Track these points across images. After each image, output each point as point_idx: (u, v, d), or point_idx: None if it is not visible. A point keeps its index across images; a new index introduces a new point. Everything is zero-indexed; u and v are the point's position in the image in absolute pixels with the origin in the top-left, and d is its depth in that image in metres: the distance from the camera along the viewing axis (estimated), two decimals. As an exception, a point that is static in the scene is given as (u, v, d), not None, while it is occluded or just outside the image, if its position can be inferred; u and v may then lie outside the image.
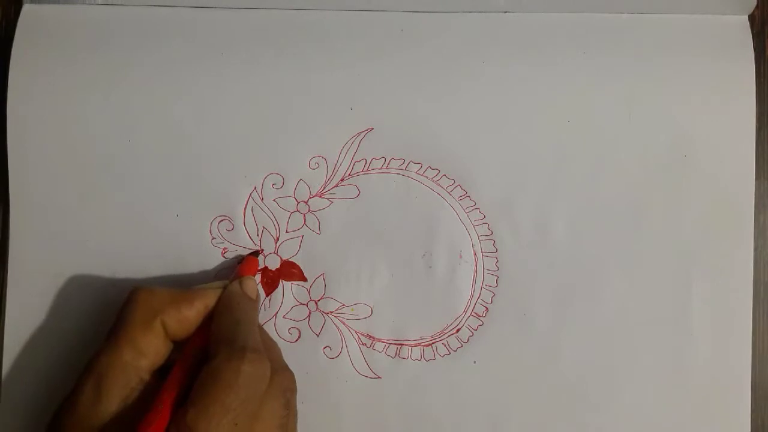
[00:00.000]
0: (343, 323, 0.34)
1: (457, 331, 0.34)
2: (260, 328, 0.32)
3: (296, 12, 0.35)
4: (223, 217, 0.34)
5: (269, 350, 0.30)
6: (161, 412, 0.26)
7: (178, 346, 0.30)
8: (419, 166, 0.35)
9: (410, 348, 0.34)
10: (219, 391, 0.26)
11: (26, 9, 0.35)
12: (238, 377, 0.26)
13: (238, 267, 0.33)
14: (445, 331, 0.34)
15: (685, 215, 0.34)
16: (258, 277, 0.34)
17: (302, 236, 0.35)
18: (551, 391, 0.34)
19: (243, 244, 0.34)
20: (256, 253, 0.34)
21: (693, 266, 0.34)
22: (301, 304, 0.34)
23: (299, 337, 0.34)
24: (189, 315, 0.30)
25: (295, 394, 0.30)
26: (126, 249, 0.34)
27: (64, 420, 0.27)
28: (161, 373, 0.29)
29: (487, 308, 0.34)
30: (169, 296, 0.30)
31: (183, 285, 0.34)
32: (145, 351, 0.28)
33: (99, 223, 0.34)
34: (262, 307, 0.34)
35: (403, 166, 0.35)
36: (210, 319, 0.30)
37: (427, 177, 0.35)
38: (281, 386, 0.28)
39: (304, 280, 0.34)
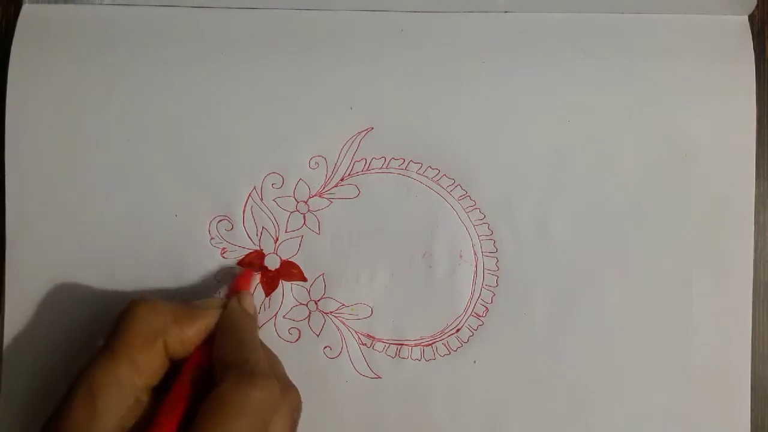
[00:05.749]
0: (343, 323, 0.34)
1: (457, 331, 0.34)
2: (261, 343, 0.31)
3: (296, 12, 0.35)
4: (223, 217, 0.34)
5: (273, 367, 0.29)
6: None
7: (173, 364, 0.29)
8: (419, 166, 0.35)
9: (410, 348, 0.34)
10: (227, 418, 0.25)
11: (26, 9, 0.35)
12: (247, 404, 0.25)
13: (234, 281, 0.33)
14: (445, 331, 0.34)
15: (685, 215, 0.34)
16: (257, 278, 0.34)
17: (302, 236, 0.35)
18: (551, 391, 0.34)
19: (242, 244, 0.34)
20: (250, 264, 0.34)
21: (693, 266, 0.34)
22: (301, 304, 0.34)
23: (299, 337, 0.34)
24: (190, 334, 0.29)
25: (300, 412, 0.29)
26: (125, 249, 0.34)
27: None
28: (156, 392, 0.28)
29: (487, 308, 0.34)
30: (172, 313, 0.29)
31: (182, 285, 0.34)
32: (143, 369, 0.28)
33: (98, 223, 0.34)
34: (262, 308, 0.34)
35: (403, 166, 0.35)
36: (209, 338, 0.30)
37: (427, 177, 0.35)
38: (290, 406, 0.28)
39: (304, 280, 0.34)
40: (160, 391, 0.28)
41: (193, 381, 0.28)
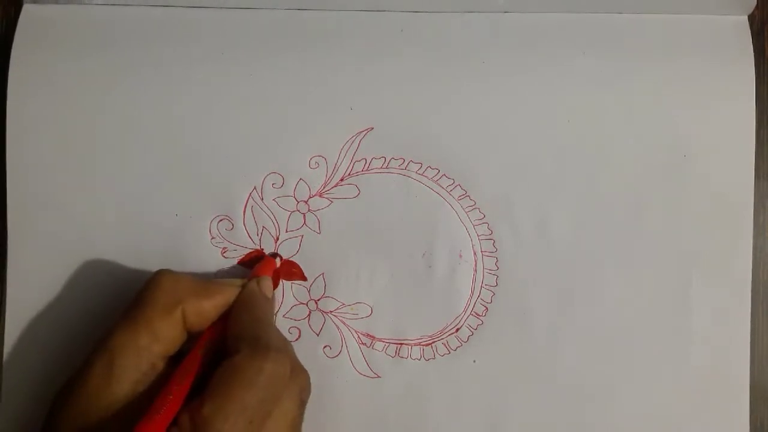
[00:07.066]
0: (343, 323, 0.34)
1: (457, 330, 0.34)
2: (275, 327, 0.32)
3: (296, 12, 0.35)
4: (223, 217, 0.34)
5: (286, 347, 0.30)
6: (170, 401, 0.26)
7: (190, 337, 0.30)
8: (419, 165, 0.35)
9: (410, 347, 0.34)
10: (239, 388, 0.26)
11: (26, 9, 0.35)
12: (259, 375, 0.26)
13: (256, 267, 0.33)
14: (445, 331, 0.34)
15: (685, 215, 0.34)
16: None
17: (302, 236, 0.35)
18: (551, 391, 0.34)
19: (243, 244, 0.34)
20: (274, 255, 0.34)
21: (693, 266, 0.34)
22: (301, 303, 0.34)
23: (299, 336, 0.34)
24: (208, 308, 0.30)
25: (309, 395, 0.30)
26: (125, 248, 0.34)
27: (72, 396, 0.27)
28: (171, 362, 0.29)
29: (486, 308, 0.34)
30: (193, 286, 0.30)
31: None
32: (161, 337, 0.28)
33: (98, 222, 0.34)
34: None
35: (403, 166, 0.35)
36: (226, 315, 0.30)
37: (427, 177, 0.35)
38: (298, 386, 0.28)
39: (304, 279, 0.35)
40: (176, 362, 0.29)
41: (207, 353, 0.29)
